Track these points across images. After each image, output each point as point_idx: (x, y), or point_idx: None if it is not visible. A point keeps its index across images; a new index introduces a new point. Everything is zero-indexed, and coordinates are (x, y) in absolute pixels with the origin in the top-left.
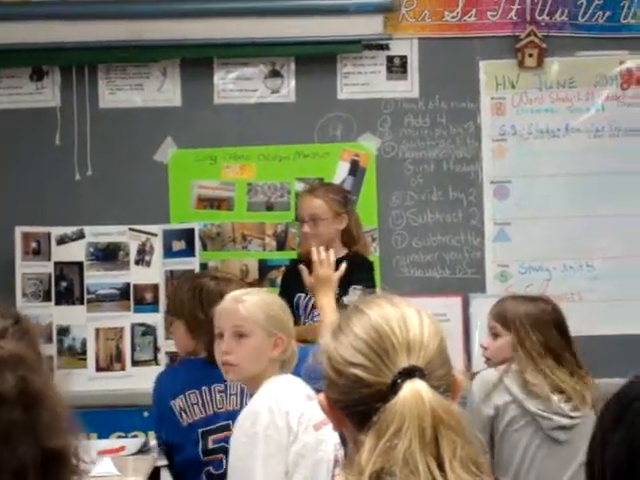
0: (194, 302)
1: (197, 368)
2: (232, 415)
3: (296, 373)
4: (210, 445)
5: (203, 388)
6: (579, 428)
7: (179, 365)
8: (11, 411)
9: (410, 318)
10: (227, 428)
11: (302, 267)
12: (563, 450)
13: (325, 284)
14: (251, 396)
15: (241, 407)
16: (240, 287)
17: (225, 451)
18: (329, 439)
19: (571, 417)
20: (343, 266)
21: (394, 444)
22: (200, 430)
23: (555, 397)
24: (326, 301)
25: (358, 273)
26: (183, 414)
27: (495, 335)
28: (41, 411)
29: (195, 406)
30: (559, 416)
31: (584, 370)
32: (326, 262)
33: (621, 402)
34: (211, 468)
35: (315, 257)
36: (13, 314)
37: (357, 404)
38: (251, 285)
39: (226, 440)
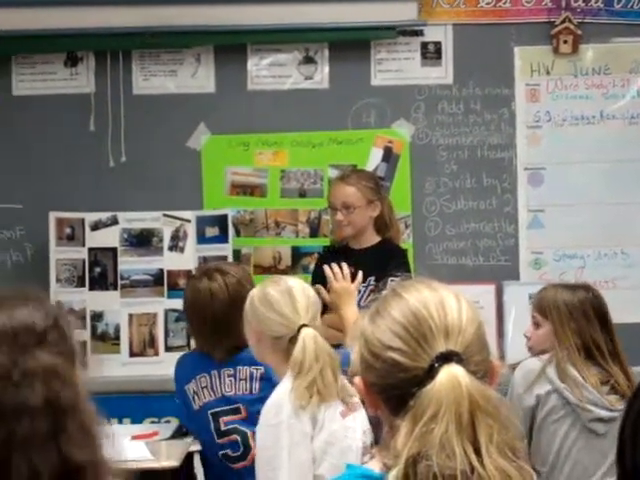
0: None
1: (209, 355)
2: (241, 399)
3: None
4: (222, 427)
5: (213, 372)
6: (619, 421)
7: (192, 351)
8: (35, 422)
9: (448, 302)
10: (237, 411)
11: (319, 287)
12: (601, 443)
13: (345, 296)
14: (263, 381)
15: (250, 392)
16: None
17: (239, 433)
18: (357, 426)
19: (611, 410)
20: (360, 275)
21: (430, 428)
22: (209, 412)
23: (594, 388)
24: (349, 315)
25: (392, 261)
26: (195, 397)
27: (536, 324)
28: (67, 424)
29: (205, 389)
30: (598, 408)
31: (624, 360)
32: (339, 275)
33: None
34: (229, 451)
35: (328, 273)
36: (53, 313)
37: (394, 388)
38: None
39: (239, 422)
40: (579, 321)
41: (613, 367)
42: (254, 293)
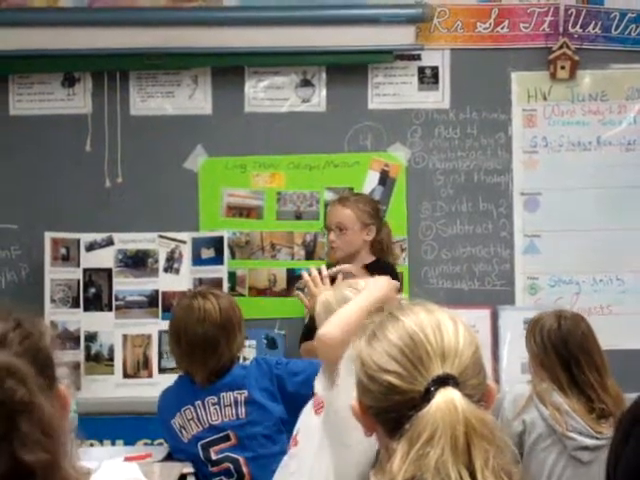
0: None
1: (191, 384)
2: (229, 426)
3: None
4: (213, 456)
5: (197, 402)
6: (606, 449)
7: (174, 384)
8: None
9: (445, 325)
10: (227, 438)
11: (298, 293)
12: (588, 471)
13: None
14: (248, 404)
15: (237, 418)
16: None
17: (231, 460)
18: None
19: (597, 437)
20: (339, 277)
21: (426, 452)
22: (199, 443)
23: (579, 416)
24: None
25: None
26: (183, 431)
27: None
28: (21, 424)
29: (191, 421)
30: (583, 436)
31: (613, 388)
32: (318, 280)
33: (631, 416)
34: (223, 478)
35: (306, 278)
36: (14, 318)
37: (389, 411)
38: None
39: (230, 450)
40: (564, 350)
41: (599, 392)
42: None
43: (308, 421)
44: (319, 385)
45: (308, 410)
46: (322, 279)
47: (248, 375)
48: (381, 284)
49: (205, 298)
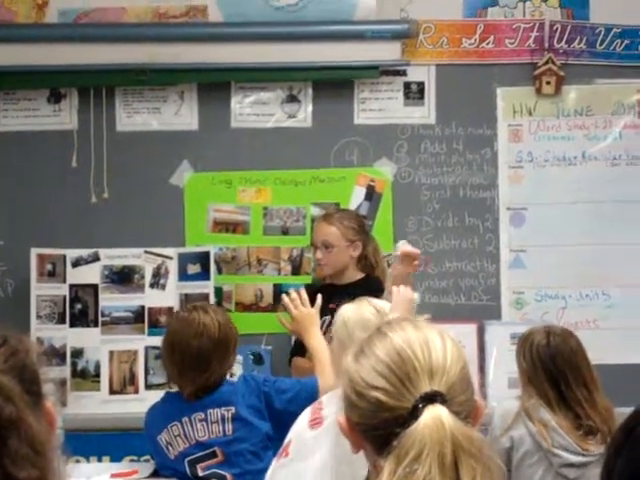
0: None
1: (177, 400)
2: (216, 442)
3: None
4: (200, 473)
5: (184, 419)
6: (593, 465)
7: (162, 400)
8: None
9: (433, 342)
10: (214, 455)
11: (279, 315)
12: None
13: (306, 322)
14: (235, 421)
15: (224, 434)
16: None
17: (218, 477)
18: None
19: (583, 454)
20: (319, 298)
21: (413, 469)
22: (186, 460)
23: (566, 433)
24: (313, 341)
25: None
26: (169, 447)
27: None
28: (9, 440)
29: (178, 438)
30: (569, 453)
31: (603, 403)
32: (297, 302)
33: (623, 430)
34: None
35: (286, 301)
36: (0, 335)
37: (377, 428)
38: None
39: (217, 467)
40: (552, 366)
41: (587, 409)
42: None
43: (302, 433)
44: (332, 406)
45: (302, 422)
46: (302, 301)
47: (235, 392)
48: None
49: (205, 312)
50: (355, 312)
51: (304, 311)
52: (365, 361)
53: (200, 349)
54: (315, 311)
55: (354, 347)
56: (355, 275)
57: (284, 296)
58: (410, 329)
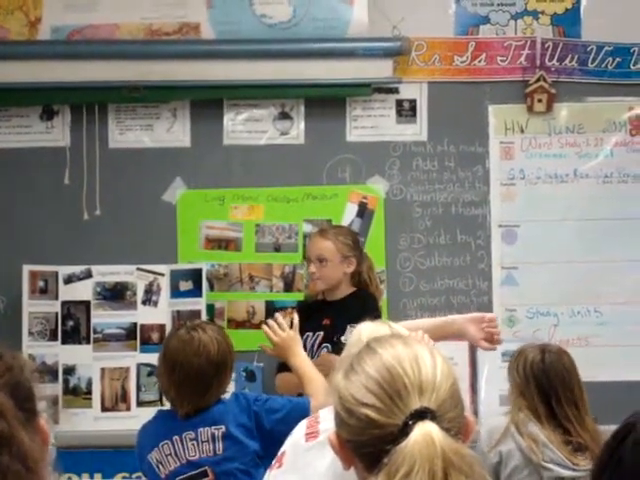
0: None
1: (169, 419)
2: (206, 461)
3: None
4: None
5: (175, 438)
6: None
7: (153, 418)
8: None
9: (423, 358)
10: (205, 474)
11: (262, 345)
12: None
13: (287, 347)
14: (225, 440)
15: (214, 454)
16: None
17: None
18: None
19: (574, 469)
20: (295, 318)
21: None
22: (177, 479)
23: (556, 447)
24: (297, 360)
25: (361, 309)
26: (160, 466)
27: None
28: (3, 457)
29: (169, 457)
30: (560, 467)
31: (591, 424)
32: (275, 328)
33: (609, 445)
34: None
35: (266, 330)
36: None
37: (367, 445)
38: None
39: None
40: (543, 381)
41: (577, 426)
42: None
43: (297, 445)
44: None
45: (298, 435)
46: (280, 326)
47: (227, 410)
48: None
49: (204, 331)
50: (373, 331)
51: (283, 335)
52: (355, 378)
53: (200, 370)
54: (294, 332)
55: (344, 364)
56: (347, 290)
57: (264, 326)
58: (400, 346)
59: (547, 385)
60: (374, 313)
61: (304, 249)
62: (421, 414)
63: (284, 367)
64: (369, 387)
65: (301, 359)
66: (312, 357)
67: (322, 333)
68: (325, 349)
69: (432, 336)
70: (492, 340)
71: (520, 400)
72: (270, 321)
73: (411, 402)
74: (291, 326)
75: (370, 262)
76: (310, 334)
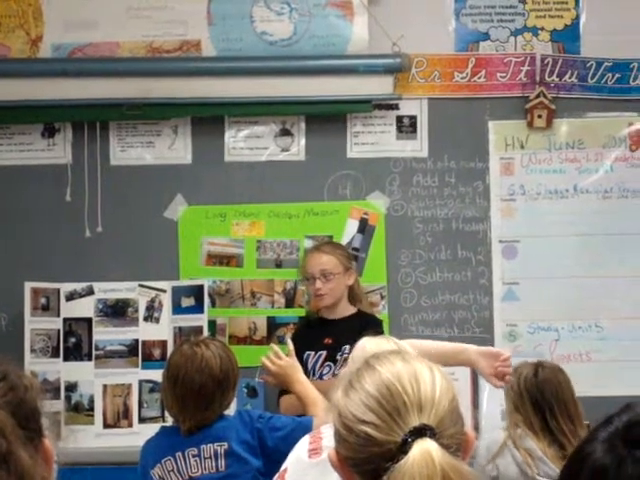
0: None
1: (172, 435)
2: (209, 478)
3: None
4: None
5: (177, 454)
6: None
7: (157, 434)
8: None
9: (422, 375)
10: None
11: (262, 377)
12: None
13: (286, 375)
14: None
15: (217, 470)
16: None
17: None
18: None
19: None
20: (290, 344)
21: None
22: None
23: (552, 461)
24: (299, 386)
25: (369, 331)
26: None
27: None
28: (1, 473)
29: (171, 473)
30: None
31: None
32: (273, 358)
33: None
34: None
35: (263, 361)
36: (0, 370)
37: (367, 462)
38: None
39: None
40: (537, 395)
41: (572, 440)
42: None
43: (300, 461)
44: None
45: (301, 450)
46: (277, 355)
47: (230, 427)
48: None
49: (208, 347)
50: (376, 346)
51: (282, 364)
52: (354, 395)
53: (202, 385)
54: (292, 360)
55: (344, 381)
56: (348, 309)
57: (262, 358)
58: (399, 362)
59: (541, 399)
60: (377, 330)
61: (302, 266)
62: (420, 431)
63: (285, 390)
64: (368, 404)
65: (303, 386)
66: (314, 376)
67: (325, 352)
68: (328, 368)
69: (440, 362)
70: (502, 379)
71: (516, 415)
72: (268, 355)
73: (410, 419)
74: (304, 339)
75: (357, 276)
76: (312, 353)
